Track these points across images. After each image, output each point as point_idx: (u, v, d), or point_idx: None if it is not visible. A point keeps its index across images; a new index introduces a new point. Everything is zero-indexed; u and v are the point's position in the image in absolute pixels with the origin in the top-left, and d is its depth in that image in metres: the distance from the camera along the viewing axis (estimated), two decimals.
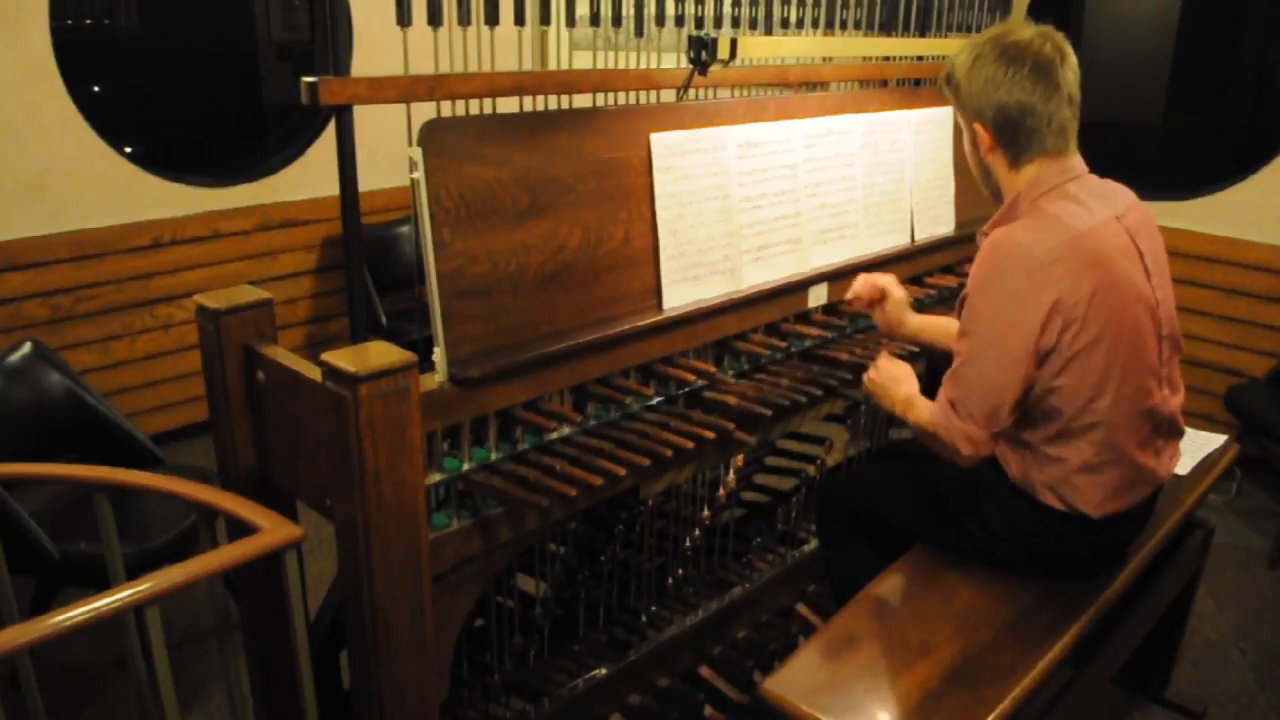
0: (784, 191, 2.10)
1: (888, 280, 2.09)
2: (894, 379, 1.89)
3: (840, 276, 2.24)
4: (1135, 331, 1.67)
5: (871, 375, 1.94)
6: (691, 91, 1.97)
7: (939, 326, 2.10)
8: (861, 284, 2.09)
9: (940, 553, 1.93)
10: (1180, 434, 1.86)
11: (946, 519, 1.89)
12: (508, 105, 1.69)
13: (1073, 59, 1.68)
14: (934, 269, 2.59)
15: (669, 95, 1.98)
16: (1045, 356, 1.64)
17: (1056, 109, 1.67)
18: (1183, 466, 2.26)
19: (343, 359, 1.38)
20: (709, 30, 2.03)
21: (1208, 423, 3.51)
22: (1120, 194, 1.77)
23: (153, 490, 1.69)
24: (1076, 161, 1.74)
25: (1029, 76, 1.64)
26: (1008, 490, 1.80)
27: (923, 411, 1.77)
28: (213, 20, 5.53)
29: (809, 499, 2.53)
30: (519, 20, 1.72)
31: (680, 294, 1.89)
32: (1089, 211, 1.67)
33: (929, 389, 1.84)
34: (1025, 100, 1.65)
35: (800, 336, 2.14)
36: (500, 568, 1.78)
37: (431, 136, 1.51)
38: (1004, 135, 1.70)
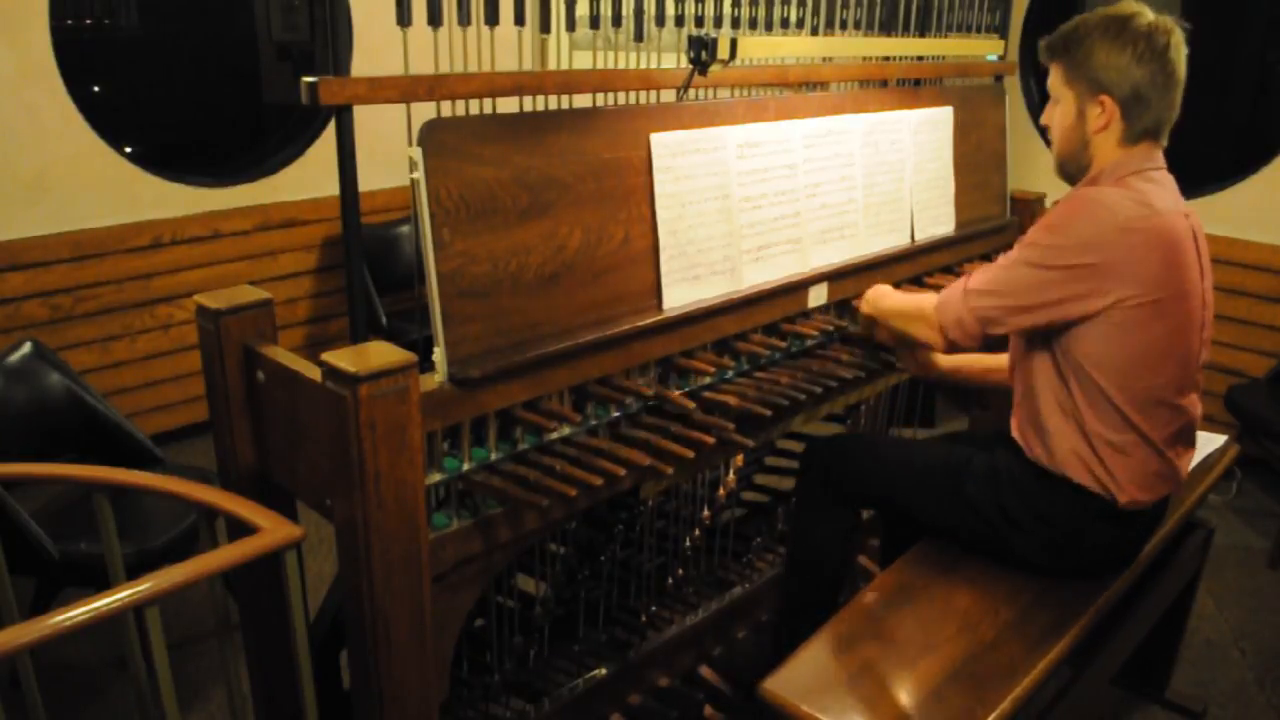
0: (784, 191, 2.10)
1: None
2: (880, 293, 2.07)
3: (840, 276, 2.24)
4: (1184, 321, 1.71)
5: (861, 300, 2.11)
6: (691, 91, 1.97)
7: (974, 361, 2.12)
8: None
9: (944, 547, 1.93)
10: (1193, 444, 1.89)
11: (963, 508, 1.89)
12: (508, 105, 1.68)
13: (1186, 48, 1.75)
14: (934, 269, 2.59)
15: (669, 95, 1.97)
16: (1090, 317, 1.67)
17: (1179, 94, 1.75)
18: None
19: (343, 359, 1.38)
20: (709, 30, 2.03)
21: (1208, 423, 3.49)
22: (1182, 199, 1.81)
23: (153, 490, 1.69)
24: (1160, 155, 1.79)
25: (1170, 60, 1.71)
26: (1034, 478, 1.81)
27: (907, 297, 1.95)
28: (213, 20, 5.53)
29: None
30: (519, 20, 1.72)
31: (680, 294, 1.89)
32: (1169, 198, 1.73)
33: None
34: (1162, 81, 1.71)
35: (800, 336, 2.14)
36: (500, 568, 1.78)
37: (431, 136, 1.51)
38: (1133, 111, 1.73)
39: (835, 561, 2.02)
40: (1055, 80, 1.80)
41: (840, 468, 2.05)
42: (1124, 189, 1.71)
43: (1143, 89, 1.71)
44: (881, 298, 2.07)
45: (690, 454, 1.72)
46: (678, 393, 1.85)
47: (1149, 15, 1.72)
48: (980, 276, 1.79)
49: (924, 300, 1.90)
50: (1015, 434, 1.88)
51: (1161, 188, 1.74)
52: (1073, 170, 1.82)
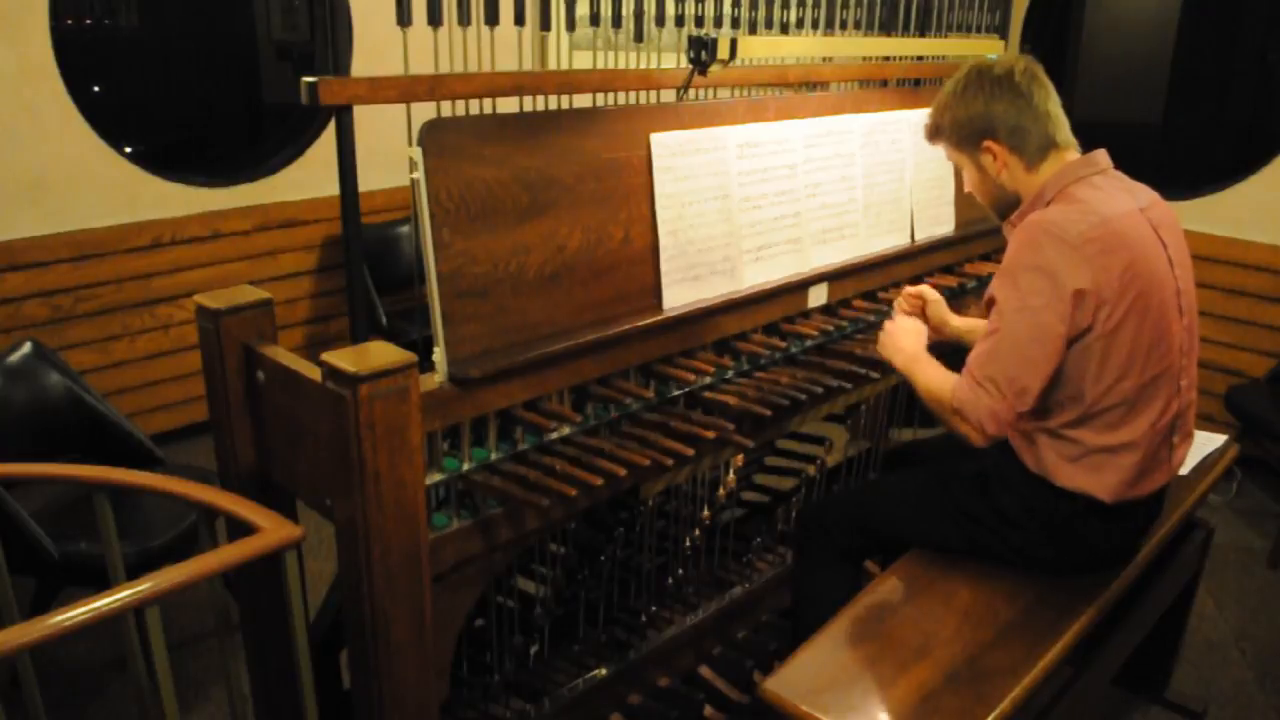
0: (784, 191, 2.10)
1: (921, 289, 2.11)
2: (904, 330, 1.96)
3: (840, 276, 2.24)
4: (1160, 315, 1.71)
5: (887, 326, 1.99)
6: (691, 91, 1.97)
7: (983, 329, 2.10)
8: (902, 300, 2.10)
9: (943, 554, 1.92)
10: (1191, 434, 1.88)
11: (959, 517, 1.89)
12: (508, 105, 1.69)
13: (1041, 69, 1.83)
14: (934, 269, 2.59)
15: (669, 95, 1.98)
16: (1079, 336, 1.67)
17: (1051, 106, 1.80)
18: (1183, 466, 2.26)
19: (343, 359, 1.38)
20: (709, 30, 2.03)
21: (1208, 423, 3.50)
22: (1144, 190, 1.83)
23: (153, 490, 1.69)
24: (1102, 156, 1.81)
25: (1019, 85, 1.78)
26: (1024, 478, 1.81)
27: (934, 378, 1.80)
28: (213, 20, 5.54)
29: (809, 499, 2.52)
30: (519, 20, 1.72)
31: (680, 294, 1.89)
32: (1116, 200, 1.74)
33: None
34: (1023, 104, 1.77)
35: (800, 336, 2.14)
36: (500, 568, 1.78)
37: (431, 136, 1.51)
38: (1016, 140, 1.78)
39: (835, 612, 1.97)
40: (949, 154, 1.90)
41: (838, 525, 2.03)
42: (1069, 204, 1.71)
43: (1010, 119, 1.77)
44: (900, 351, 1.92)
45: (690, 451, 1.72)
46: (677, 391, 1.85)
47: (987, 62, 1.82)
48: (980, 361, 1.70)
49: (943, 387, 1.77)
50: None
51: (1107, 192, 1.74)
52: (1010, 213, 1.86)
